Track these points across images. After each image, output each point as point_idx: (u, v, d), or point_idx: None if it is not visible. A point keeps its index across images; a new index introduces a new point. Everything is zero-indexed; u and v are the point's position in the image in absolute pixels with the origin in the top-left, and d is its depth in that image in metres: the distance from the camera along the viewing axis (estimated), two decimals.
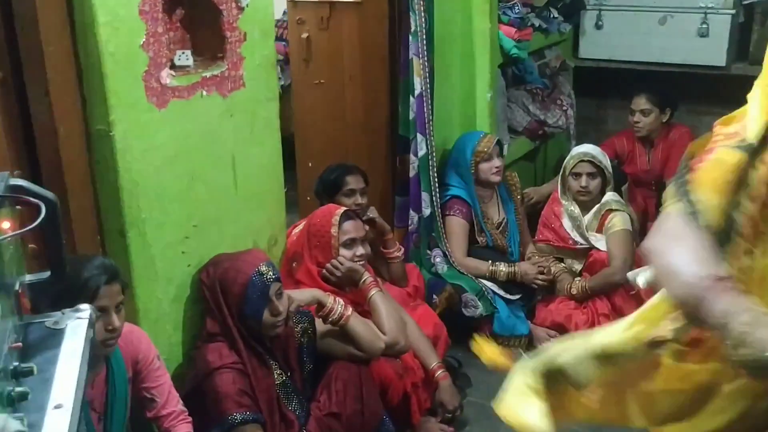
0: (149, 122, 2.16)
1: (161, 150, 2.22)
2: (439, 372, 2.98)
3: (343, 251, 2.78)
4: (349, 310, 2.56)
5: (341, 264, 2.74)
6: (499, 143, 3.76)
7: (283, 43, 4.59)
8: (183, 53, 2.28)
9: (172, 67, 2.24)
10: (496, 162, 3.68)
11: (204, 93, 2.34)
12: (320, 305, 2.55)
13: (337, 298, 2.57)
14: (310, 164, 3.88)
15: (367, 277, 2.79)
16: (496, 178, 3.69)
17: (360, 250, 2.82)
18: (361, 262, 2.82)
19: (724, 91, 4.37)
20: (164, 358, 2.27)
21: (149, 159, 2.19)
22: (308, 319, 2.55)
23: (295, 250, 2.84)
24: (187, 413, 2.17)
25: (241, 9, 2.40)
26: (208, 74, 2.34)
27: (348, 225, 2.81)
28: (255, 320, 2.32)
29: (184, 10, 2.31)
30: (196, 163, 2.36)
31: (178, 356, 2.43)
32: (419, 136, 3.47)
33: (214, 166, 2.43)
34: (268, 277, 2.32)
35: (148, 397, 2.10)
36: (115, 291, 1.89)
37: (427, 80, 3.41)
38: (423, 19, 3.32)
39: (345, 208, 2.89)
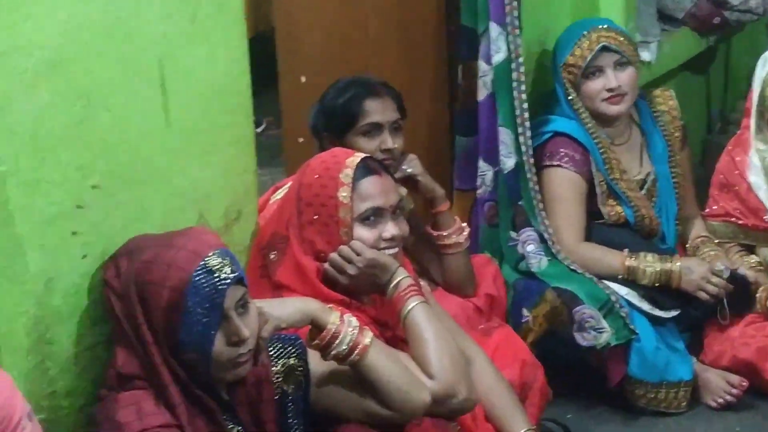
0: (10, 0, 2.16)
1: (33, 53, 2.21)
2: None
3: (360, 230, 2.78)
4: (368, 336, 2.54)
5: (357, 253, 2.73)
6: (622, 45, 3.72)
7: None
8: None
9: None
10: (611, 78, 3.66)
11: None
12: (316, 327, 2.53)
13: (346, 315, 2.56)
14: (302, 80, 3.88)
15: (403, 276, 2.78)
16: (612, 109, 3.71)
17: (390, 230, 2.81)
18: (392, 251, 2.82)
19: None
20: (43, 418, 2.27)
21: (12, 68, 2.18)
22: (296, 352, 2.55)
23: (274, 231, 2.86)
24: None
25: None
26: None
27: (369, 184, 2.80)
28: (200, 353, 2.31)
29: None
30: (96, 75, 2.35)
31: (67, 414, 2.43)
32: (494, 28, 3.46)
33: (129, 82, 2.43)
34: (223, 276, 2.31)
35: None
36: None
37: None
38: None
39: (363, 155, 2.88)
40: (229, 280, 2.30)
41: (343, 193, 2.75)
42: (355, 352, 2.50)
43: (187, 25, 2.54)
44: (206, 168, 2.66)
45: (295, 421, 2.55)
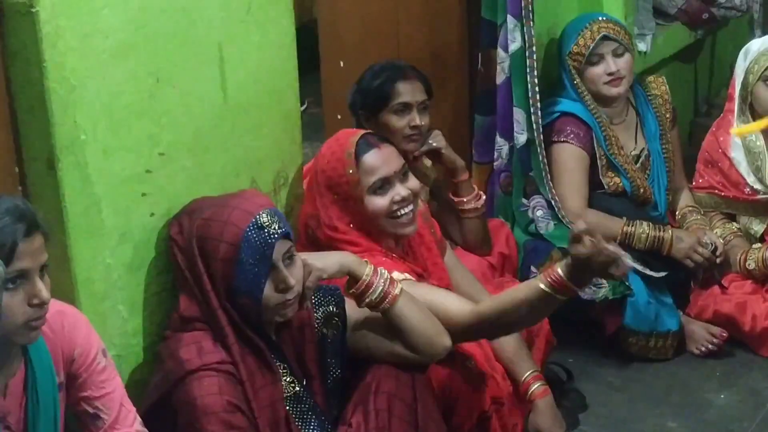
0: None
1: (110, 37, 2.21)
2: (534, 386, 3.00)
3: (374, 200, 2.74)
4: (398, 287, 2.52)
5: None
6: (620, 35, 3.70)
7: None
8: None
9: None
10: (611, 64, 3.66)
11: None
12: (352, 278, 2.51)
13: (379, 268, 2.54)
14: (341, 64, 3.86)
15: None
16: (612, 90, 3.70)
17: (400, 192, 2.75)
18: (407, 208, 2.76)
19: None
20: (115, 354, 2.29)
21: (91, 49, 2.18)
22: (335, 300, 2.55)
23: (307, 211, 2.84)
24: None
25: None
26: None
27: (371, 158, 2.76)
28: (252, 298, 2.32)
29: None
30: (162, 57, 2.35)
31: (136, 351, 2.45)
32: (511, 21, 3.44)
33: (190, 63, 2.43)
34: (272, 231, 2.31)
35: (90, 411, 2.11)
36: (36, 247, 1.89)
37: None
38: None
39: (362, 132, 2.84)
40: (276, 235, 2.30)
41: (350, 171, 2.72)
42: (386, 300, 2.49)
43: (243, 14, 2.54)
44: (258, 139, 2.66)
45: (333, 361, 2.55)
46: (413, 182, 2.81)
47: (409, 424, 2.51)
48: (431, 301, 2.60)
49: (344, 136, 2.81)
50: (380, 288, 2.48)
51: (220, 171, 2.55)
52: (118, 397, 2.15)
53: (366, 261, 2.54)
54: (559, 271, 2.37)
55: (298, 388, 2.46)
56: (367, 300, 2.49)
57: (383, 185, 2.74)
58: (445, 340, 2.57)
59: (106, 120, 2.25)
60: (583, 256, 2.30)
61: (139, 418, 2.20)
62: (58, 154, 2.18)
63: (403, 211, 2.75)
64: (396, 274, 2.62)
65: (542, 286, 2.40)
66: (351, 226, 2.76)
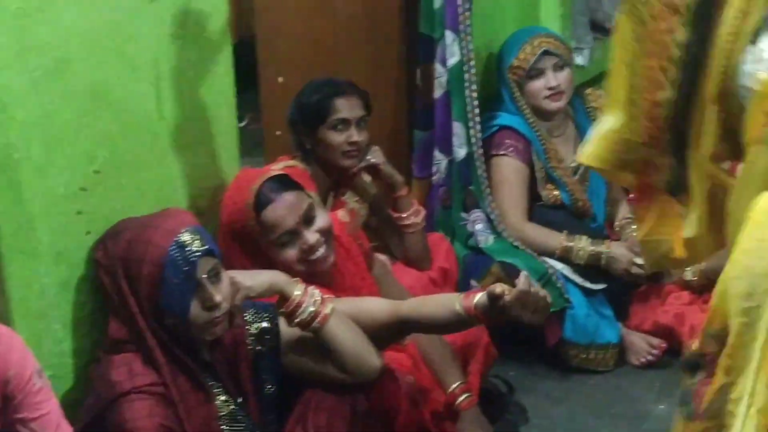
0: (23, 11, 2.13)
1: (43, 51, 2.19)
2: (461, 397, 2.99)
3: (283, 253, 2.70)
4: (329, 307, 2.49)
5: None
6: (560, 50, 3.73)
7: None
8: None
9: None
10: (551, 79, 3.70)
11: None
12: (282, 297, 2.48)
13: (310, 288, 2.51)
14: (280, 80, 3.85)
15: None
16: (552, 105, 3.74)
17: (309, 238, 2.69)
18: (320, 251, 2.72)
19: None
20: (51, 374, 2.25)
21: (25, 67, 2.16)
22: (268, 317, 2.53)
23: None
24: None
25: None
26: None
27: (270, 213, 2.67)
28: (179, 318, 2.29)
29: None
30: (98, 74, 2.33)
31: (73, 372, 2.41)
32: (449, 35, 3.46)
33: (127, 81, 2.41)
34: (194, 249, 2.28)
35: None
36: None
37: None
38: None
39: (261, 177, 2.72)
40: (199, 253, 2.28)
41: (251, 224, 2.66)
42: (317, 320, 2.47)
43: (179, 29, 2.52)
44: (195, 156, 2.64)
45: (267, 378, 2.53)
46: (321, 221, 2.74)
47: None
48: (356, 309, 2.58)
49: (245, 183, 2.70)
50: (310, 308, 2.46)
51: (157, 188, 2.53)
52: (54, 419, 2.11)
53: (297, 280, 2.51)
54: (476, 301, 2.38)
55: (233, 407, 2.44)
56: (297, 320, 2.46)
57: (290, 238, 2.69)
58: (375, 361, 2.54)
59: (40, 138, 2.22)
60: (499, 303, 2.30)
61: None
62: None
63: (314, 256, 2.71)
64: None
65: (457, 307, 2.42)
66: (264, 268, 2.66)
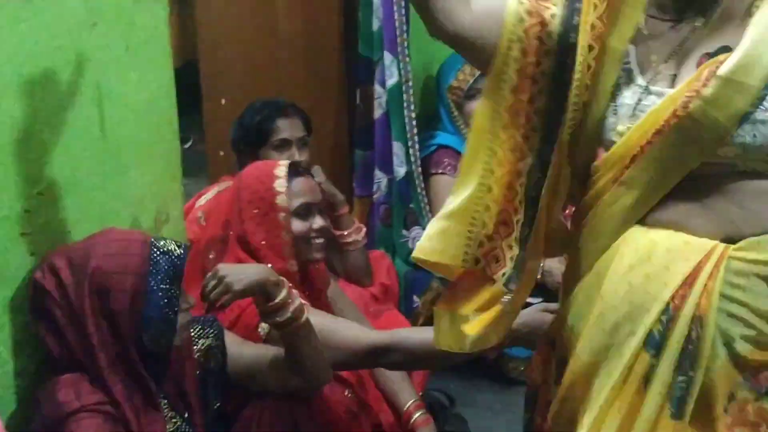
0: None
1: None
2: (416, 414, 3.00)
3: (295, 222, 2.77)
4: (304, 315, 2.46)
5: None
6: None
7: None
8: None
9: None
10: None
11: None
12: (265, 294, 2.40)
13: (294, 291, 2.49)
14: (222, 102, 3.86)
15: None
16: None
17: (318, 222, 2.83)
18: (320, 240, 2.84)
19: None
20: None
21: None
22: (214, 333, 2.52)
23: (210, 236, 2.84)
24: None
25: None
26: None
27: (300, 183, 2.81)
28: (165, 324, 2.27)
29: None
30: (39, 98, 2.30)
31: (18, 393, 2.37)
32: (388, 57, 3.48)
33: (68, 102, 2.39)
34: (177, 252, 2.28)
35: None
36: None
37: None
38: None
39: (291, 161, 2.91)
40: (183, 255, 2.29)
41: (279, 189, 2.75)
42: (292, 325, 2.46)
43: (122, 53, 2.52)
44: (138, 177, 2.63)
45: (213, 392, 2.53)
46: (324, 221, 2.86)
47: None
48: (332, 329, 2.63)
49: (273, 162, 2.87)
50: (289, 313, 2.43)
51: (100, 209, 2.50)
52: None
53: (282, 280, 2.46)
54: None
55: (179, 423, 2.42)
56: (276, 319, 2.43)
57: (306, 211, 2.78)
58: (329, 374, 2.58)
59: None
60: None
61: None
62: None
63: (317, 241, 2.80)
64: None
65: None
66: (263, 243, 2.74)
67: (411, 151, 3.58)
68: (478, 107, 2.01)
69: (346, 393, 2.78)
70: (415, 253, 2.06)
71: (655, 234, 1.82)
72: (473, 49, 1.96)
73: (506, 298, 2.05)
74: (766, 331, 1.76)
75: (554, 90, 1.90)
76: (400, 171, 3.58)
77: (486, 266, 2.02)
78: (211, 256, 2.81)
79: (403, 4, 3.42)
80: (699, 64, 1.77)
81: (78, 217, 2.45)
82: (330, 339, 2.59)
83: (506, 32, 1.88)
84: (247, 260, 2.73)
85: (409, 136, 3.56)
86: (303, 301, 2.56)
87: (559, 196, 1.98)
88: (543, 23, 1.88)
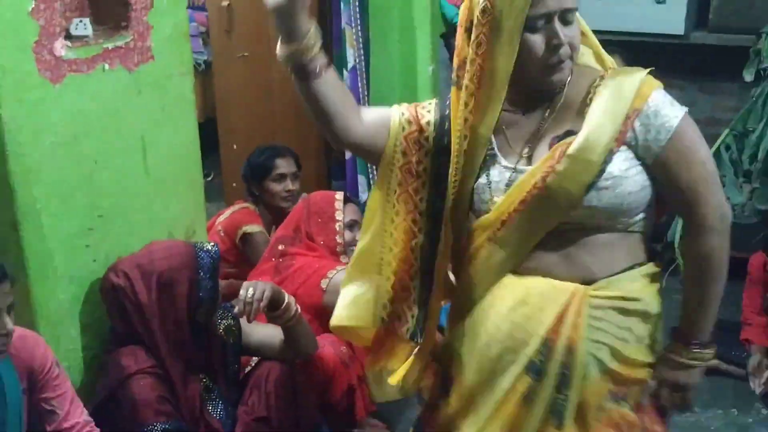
0: (42, 99, 2.09)
1: (58, 131, 2.15)
2: None
3: (346, 232, 2.90)
4: (298, 310, 2.46)
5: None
6: None
7: (206, 13, 4.51)
8: (80, 21, 2.20)
9: (68, 37, 2.16)
10: None
11: (106, 66, 2.26)
12: (275, 301, 2.39)
13: (291, 297, 2.47)
14: (234, 147, 3.85)
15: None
16: None
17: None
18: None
19: (683, 61, 4.46)
20: (67, 364, 2.21)
21: (43, 141, 2.11)
22: (231, 316, 2.50)
23: (280, 235, 2.92)
24: (93, 424, 2.11)
25: None
26: (110, 45, 2.26)
27: (351, 206, 2.95)
28: (212, 302, 2.32)
29: None
30: (99, 146, 2.29)
31: (84, 362, 2.35)
32: None
33: (120, 149, 2.36)
34: (214, 250, 2.33)
35: (48, 408, 2.03)
36: (4, 291, 1.82)
37: (362, 52, 3.38)
38: None
39: (343, 193, 3.01)
40: (216, 250, 2.36)
41: (338, 207, 2.90)
42: (293, 320, 2.45)
43: (159, 111, 2.48)
44: (172, 203, 2.59)
45: (231, 359, 2.52)
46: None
47: (290, 403, 2.51)
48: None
49: (332, 191, 3.08)
50: (293, 311, 2.43)
51: (144, 227, 2.47)
52: (69, 396, 2.07)
53: (282, 291, 2.46)
54: None
55: (207, 382, 2.42)
56: (285, 318, 2.42)
57: (353, 225, 2.90)
58: (316, 344, 2.57)
59: (57, 193, 2.17)
60: None
61: (86, 411, 2.12)
62: (20, 219, 2.09)
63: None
64: (339, 267, 2.79)
65: None
66: (322, 243, 2.86)
67: (371, 182, 3.57)
68: (371, 195, 1.91)
69: (342, 348, 2.77)
70: (333, 322, 1.98)
71: (527, 281, 1.74)
72: (367, 154, 1.87)
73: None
74: (625, 351, 1.73)
75: (434, 181, 1.83)
76: (363, 196, 3.57)
77: (390, 325, 1.93)
78: (280, 247, 2.90)
79: (365, 76, 3.41)
80: (550, 146, 1.70)
81: (127, 233, 2.43)
82: None
83: (391, 139, 1.81)
84: (313, 249, 2.88)
85: (369, 171, 3.55)
86: (343, 267, 2.74)
87: (446, 257, 1.89)
88: (420, 130, 1.81)
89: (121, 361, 2.24)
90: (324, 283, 2.76)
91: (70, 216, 2.22)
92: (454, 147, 1.77)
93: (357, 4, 3.31)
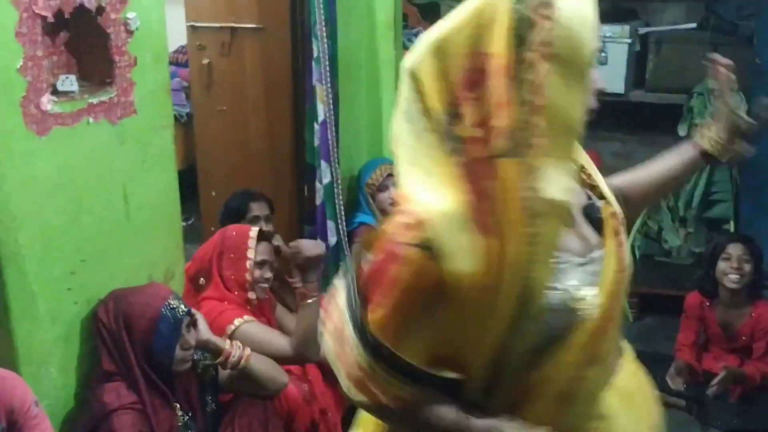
0: (29, 151, 2.02)
1: (43, 180, 2.08)
2: None
3: (255, 270, 2.73)
4: (248, 349, 2.41)
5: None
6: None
7: (188, 69, 4.47)
8: (67, 78, 2.15)
9: (55, 92, 2.11)
10: (392, 192, 3.67)
11: (91, 120, 2.21)
12: (216, 350, 2.37)
13: (235, 342, 2.42)
14: (213, 194, 3.78)
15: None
16: (394, 209, 3.66)
17: (268, 273, 2.79)
18: (265, 285, 2.78)
19: (623, 117, 4.51)
20: (49, 403, 2.12)
21: (29, 190, 2.04)
22: (210, 357, 2.42)
23: (200, 266, 2.76)
24: None
25: (130, 32, 2.28)
26: (95, 100, 2.21)
27: (263, 245, 2.78)
28: (166, 356, 2.21)
29: (69, 33, 2.19)
30: (83, 194, 2.22)
31: (66, 400, 2.25)
32: (323, 164, 3.42)
33: (103, 197, 2.30)
34: (180, 310, 2.22)
35: None
36: None
37: (331, 107, 3.36)
38: (326, 46, 3.27)
39: (258, 228, 2.84)
40: (184, 313, 2.24)
41: (251, 245, 2.72)
42: (242, 361, 2.38)
43: (140, 162, 2.43)
44: (152, 247, 2.52)
45: (209, 398, 2.45)
46: (271, 276, 2.81)
47: None
48: (268, 338, 2.56)
49: (248, 226, 2.85)
50: (236, 354, 2.37)
51: (125, 270, 2.40)
52: None
53: (224, 338, 2.43)
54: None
55: (186, 418, 2.33)
56: (229, 364, 2.37)
57: (262, 264, 2.73)
58: (284, 379, 2.49)
59: (41, 239, 2.10)
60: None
61: None
62: (4, 263, 2.01)
63: (263, 285, 2.74)
64: (246, 317, 2.60)
65: None
66: (233, 278, 2.70)
67: (340, 227, 3.52)
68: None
69: (304, 386, 2.71)
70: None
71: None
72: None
73: None
74: None
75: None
76: (332, 240, 3.51)
77: None
78: (201, 281, 2.74)
79: (333, 129, 3.38)
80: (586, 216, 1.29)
81: (109, 276, 2.35)
82: (268, 347, 2.52)
83: None
84: (218, 286, 2.70)
85: (338, 216, 3.50)
86: (250, 317, 2.60)
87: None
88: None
89: (103, 397, 2.16)
90: (229, 329, 2.56)
91: (53, 260, 2.15)
92: None
93: (327, 63, 3.29)
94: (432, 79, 1.15)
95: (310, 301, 2.64)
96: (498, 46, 1.10)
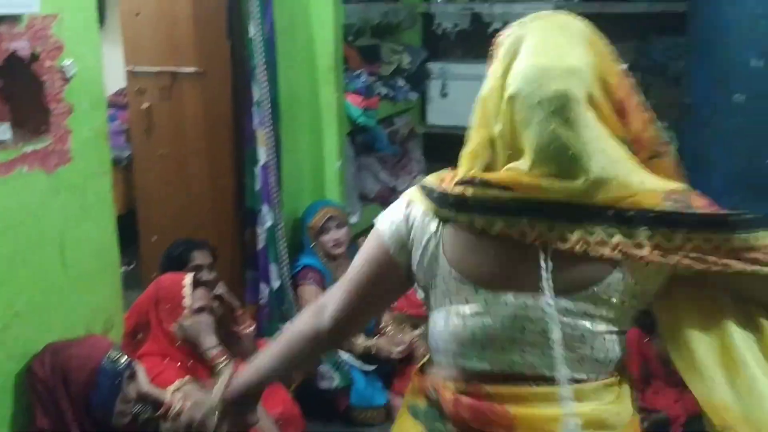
0: None
1: None
2: None
3: (193, 316, 2.69)
4: (189, 402, 2.34)
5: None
6: (340, 215, 3.73)
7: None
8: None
9: None
10: (335, 234, 3.67)
11: (25, 169, 2.16)
12: (156, 403, 2.30)
13: (175, 394, 2.37)
14: (153, 239, 3.72)
15: (214, 346, 2.67)
16: (337, 250, 3.68)
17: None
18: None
19: None
20: None
21: None
22: (149, 409, 2.34)
23: (137, 321, 2.69)
24: None
25: (66, 80, 2.26)
26: (29, 149, 2.17)
27: (200, 291, 2.74)
28: (106, 410, 2.14)
29: (2, 80, 2.15)
30: (17, 245, 2.17)
31: None
32: (265, 207, 3.41)
33: (39, 247, 2.25)
34: (121, 363, 2.16)
35: None
36: None
37: (273, 150, 3.36)
38: (267, 90, 3.28)
39: (192, 275, 2.80)
40: (124, 365, 2.18)
41: (186, 293, 2.68)
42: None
43: (77, 210, 2.39)
44: (90, 297, 2.47)
45: None
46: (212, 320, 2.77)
47: None
48: None
49: (181, 275, 2.77)
50: (178, 406, 2.29)
51: (61, 322, 2.34)
52: None
53: (166, 390, 2.39)
54: None
55: None
56: (170, 416, 2.27)
57: (200, 311, 2.70)
58: (254, 419, 2.42)
59: None
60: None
61: None
62: None
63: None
64: (186, 378, 2.55)
65: None
66: (171, 329, 2.64)
67: (282, 269, 3.49)
68: None
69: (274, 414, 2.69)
70: None
71: None
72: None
73: None
74: None
75: None
76: (275, 284, 3.48)
77: None
78: (139, 336, 2.68)
79: (275, 172, 3.38)
80: None
81: (45, 329, 2.29)
82: None
83: None
84: (162, 337, 2.65)
85: (281, 259, 3.48)
86: (186, 379, 2.54)
87: None
88: None
89: None
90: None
91: None
92: None
93: (269, 107, 3.30)
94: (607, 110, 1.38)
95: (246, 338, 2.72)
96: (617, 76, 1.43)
